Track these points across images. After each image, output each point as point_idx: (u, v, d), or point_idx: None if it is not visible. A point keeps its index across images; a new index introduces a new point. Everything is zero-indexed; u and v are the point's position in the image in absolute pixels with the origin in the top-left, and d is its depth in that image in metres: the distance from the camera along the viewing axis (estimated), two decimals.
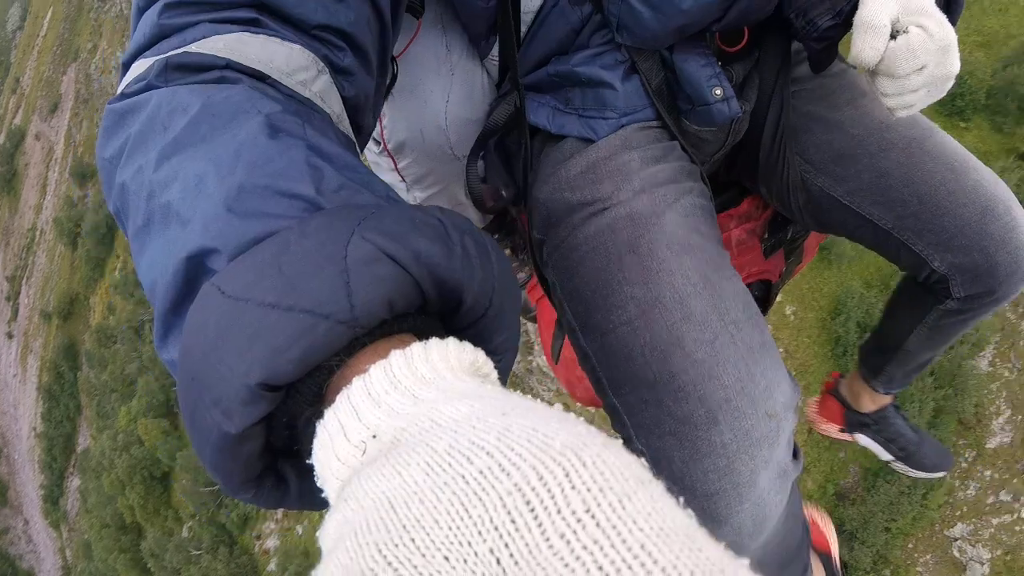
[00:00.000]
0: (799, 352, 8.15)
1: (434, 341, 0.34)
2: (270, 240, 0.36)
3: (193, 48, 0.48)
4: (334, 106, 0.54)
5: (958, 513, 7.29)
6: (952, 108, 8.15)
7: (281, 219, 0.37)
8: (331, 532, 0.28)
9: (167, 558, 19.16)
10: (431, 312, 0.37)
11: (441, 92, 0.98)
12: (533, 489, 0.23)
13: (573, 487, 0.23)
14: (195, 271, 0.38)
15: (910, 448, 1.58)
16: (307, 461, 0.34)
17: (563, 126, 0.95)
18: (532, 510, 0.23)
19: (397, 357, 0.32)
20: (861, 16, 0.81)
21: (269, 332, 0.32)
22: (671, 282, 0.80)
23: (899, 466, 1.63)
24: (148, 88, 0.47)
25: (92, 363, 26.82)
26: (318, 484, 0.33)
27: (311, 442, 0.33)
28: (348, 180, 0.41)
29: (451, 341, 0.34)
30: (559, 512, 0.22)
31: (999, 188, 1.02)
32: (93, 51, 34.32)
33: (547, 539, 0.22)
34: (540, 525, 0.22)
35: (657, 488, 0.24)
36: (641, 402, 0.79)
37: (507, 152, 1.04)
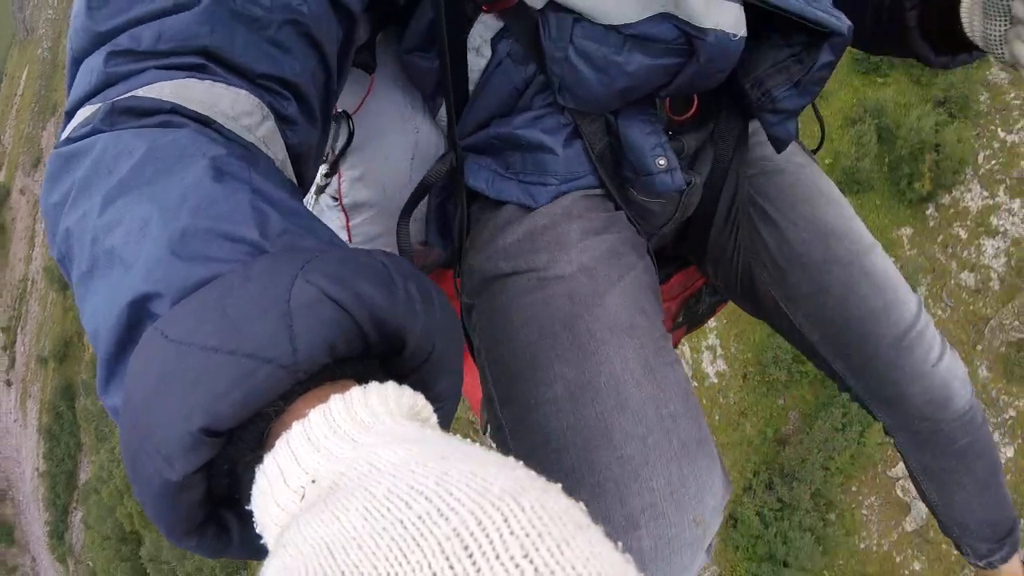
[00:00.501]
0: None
1: (373, 385, 0.34)
2: (214, 283, 0.36)
3: (139, 92, 0.48)
4: (278, 152, 0.54)
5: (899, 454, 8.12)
6: (869, 66, 8.42)
7: (225, 263, 0.37)
8: None
9: (163, 556, 20.71)
10: (373, 357, 0.37)
11: (405, 149, 0.97)
12: (472, 534, 0.23)
13: (512, 532, 0.23)
14: (138, 316, 0.38)
15: None
16: (248, 508, 0.33)
17: (502, 191, 0.93)
18: (471, 555, 0.23)
19: (336, 402, 0.32)
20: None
21: (211, 376, 0.32)
22: (609, 366, 0.76)
23: None
24: (93, 132, 0.47)
25: (88, 391, 28.46)
26: (257, 531, 0.33)
27: (251, 488, 0.33)
28: (292, 224, 0.41)
29: (390, 385, 0.34)
30: (497, 557, 0.23)
31: (921, 319, 1.06)
32: None
33: None
34: (478, 571, 0.22)
35: (596, 533, 0.25)
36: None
37: (445, 215, 1.03)
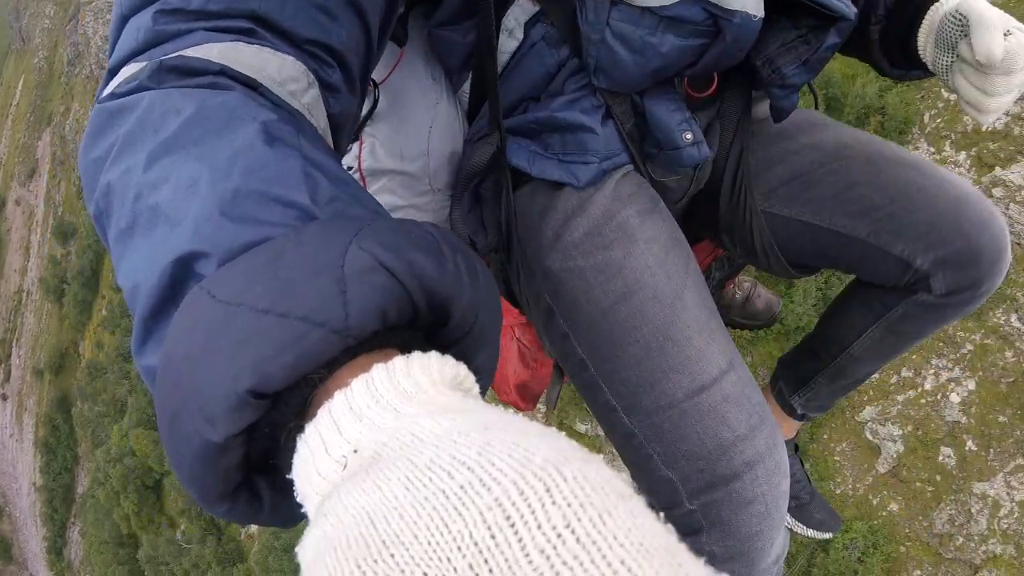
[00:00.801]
0: None
1: (416, 355, 0.34)
2: (264, 246, 0.35)
3: (188, 52, 0.48)
4: (320, 120, 0.54)
5: (865, 397, 7.63)
6: None
7: (276, 226, 0.37)
8: (310, 547, 0.28)
9: (159, 552, 20.71)
10: (419, 327, 0.37)
11: (424, 120, 0.99)
12: (513, 504, 0.23)
13: (554, 502, 0.23)
14: (182, 275, 0.38)
15: (803, 499, 1.57)
16: (284, 476, 0.34)
17: (543, 170, 0.97)
18: (512, 525, 0.23)
19: (379, 371, 0.32)
20: (983, 17, 0.88)
21: (262, 337, 0.32)
22: (708, 370, 0.88)
23: (788, 518, 1.52)
24: (140, 89, 0.47)
25: (84, 397, 28.37)
26: (298, 500, 0.33)
27: (291, 456, 0.33)
28: (341, 192, 0.41)
29: (433, 355, 0.34)
30: (539, 527, 0.23)
31: (965, 182, 1.07)
32: (66, 113, 35.98)
33: (527, 554, 0.22)
34: (520, 540, 0.23)
35: (638, 503, 0.25)
36: (697, 471, 0.87)
37: (478, 198, 1.04)
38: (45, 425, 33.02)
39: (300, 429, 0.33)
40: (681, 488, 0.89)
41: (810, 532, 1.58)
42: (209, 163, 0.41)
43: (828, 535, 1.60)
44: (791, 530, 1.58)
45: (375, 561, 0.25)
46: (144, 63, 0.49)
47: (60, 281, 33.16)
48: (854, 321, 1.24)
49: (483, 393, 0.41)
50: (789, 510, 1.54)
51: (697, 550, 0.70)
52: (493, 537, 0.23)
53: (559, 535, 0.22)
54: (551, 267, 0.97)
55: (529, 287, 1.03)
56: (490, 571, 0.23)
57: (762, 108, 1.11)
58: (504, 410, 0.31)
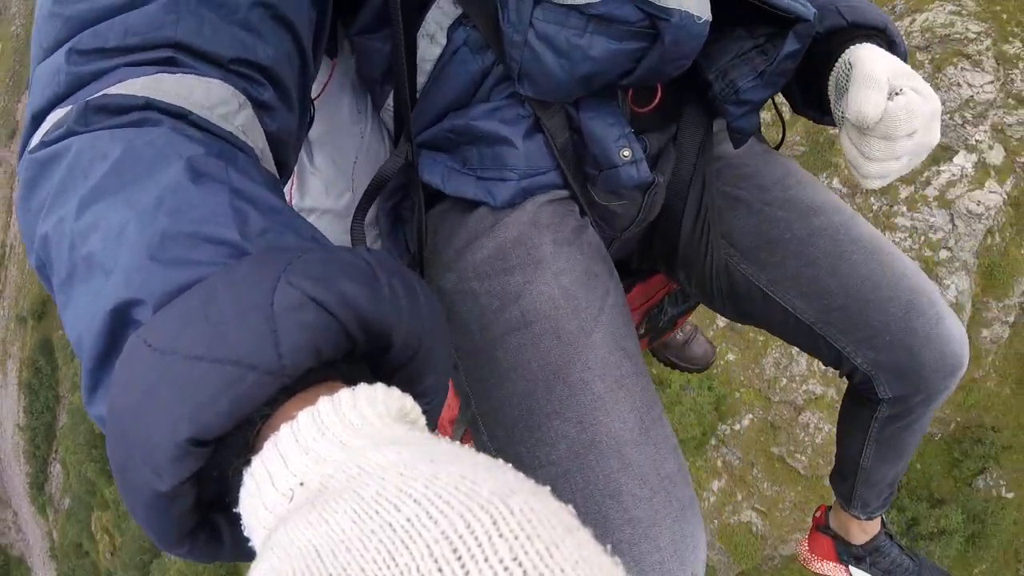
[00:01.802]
0: None
1: (362, 387, 0.33)
2: (195, 288, 0.35)
3: (111, 91, 0.48)
4: (257, 141, 0.53)
5: None
6: None
7: (206, 266, 0.37)
8: None
9: None
10: (359, 357, 0.37)
11: (351, 151, 0.95)
12: (460, 537, 0.23)
13: (500, 535, 0.23)
14: (120, 323, 0.38)
15: None
16: (237, 511, 0.33)
17: (458, 187, 0.89)
18: (459, 558, 0.23)
19: (325, 404, 0.32)
20: (862, 71, 0.81)
21: (196, 386, 0.32)
22: (608, 425, 0.75)
23: None
24: (68, 134, 0.47)
25: (65, 345, 29.68)
26: (245, 534, 0.33)
27: (240, 492, 0.33)
28: (273, 223, 0.41)
29: (379, 387, 0.34)
30: (486, 560, 0.23)
31: (921, 279, 1.01)
32: None
33: None
34: (467, 574, 0.23)
35: (585, 536, 0.25)
36: None
37: (398, 218, 0.99)
38: (28, 367, 34.52)
39: (247, 465, 0.33)
40: None
41: None
42: (136, 207, 0.40)
43: None
44: None
45: None
46: (69, 107, 0.48)
47: None
48: (853, 441, 1.23)
49: (436, 415, 0.42)
50: None
51: None
52: (440, 571, 0.23)
53: (506, 568, 0.23)
54: (444, 287, 0.89)
55: None
56: None
57: (728, 146, 1.03)
58: (450, 443, 0.31)
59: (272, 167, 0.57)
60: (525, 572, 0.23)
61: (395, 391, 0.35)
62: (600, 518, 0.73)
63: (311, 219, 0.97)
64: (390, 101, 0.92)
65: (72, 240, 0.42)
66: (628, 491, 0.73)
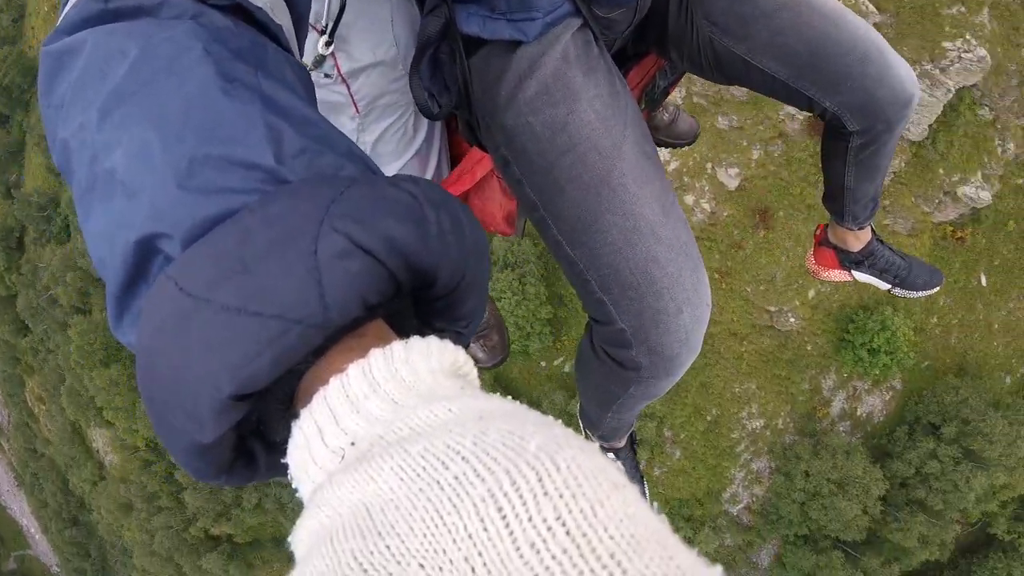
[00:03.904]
0: None
1: (415, 340, 0.33)
2: (229, 225, 0.34)
3: None
4: (283, 18, 0.51)
5: None
6: None
7: (239, 194, 0.35)
8: (304, 538, 0.28)
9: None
10: (403, 291, 0.36)
11: (384, 14, 1.13)
12: (506, 495, 0.24)
13: (546, 493, 0.23)
14: (146, 253, 0.37)
15: (902, 274, 1.80)
16: (274, 439, 0.34)
17: (495, 31, 1.05)
18: (504, 518, 0.23)
19: (376, 358, 0.32)
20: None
21: (238, 340, 0.31)
22: (643, 214, 1.03)
23: (898, 291, 1.84)
24: (83, 21, 0.44)
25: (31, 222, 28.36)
26: (293, 484, 0.33)
27: (280, 424, 0.34)
28: (308, 140, 0.39)
29: (432, 340, 0.34)
30: (530, 520, 0.23)
31: (871, 35, 1.24)
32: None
33: (518, 548, 0.23)
34: (511, 534, 0.23)
35: (631, 493, 0.25)
36: (627, 299, 1.04)
37: (437, 63, 1.11)
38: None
39: (294, 414, 0.33)
40: (613, 310, 1.07)
41: (920, 294, 1.86)
42: (160, 120, 0.38)
43: (936, 289, 1.85)
44: (905, 299, 1.71)
45: (371, 553, 0.25)
46: None
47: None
48: (835, 166, 1.47)
49: (470, 334, 0.42)
50: (895, 286, 1.83)
51: (627, 359, 1.10)
52: (486, 530, 0.23)
53: (549, 528, 0.23)
54: (506, 123, 1.09)
55: (488, 139, 1.16)
56: (484, 565, 0.23)
57: None
58: (502, 399, 0.31)
59: (295, 48, 0.54)
60: (568, 531, 0.23)
61: (448, 344, 0.35)
62: (647, 276, 1.03)
63: (363, 75, 1.15)
64: None
65: (93, 152, 0.40)
66: (662, 255, 1.03)
